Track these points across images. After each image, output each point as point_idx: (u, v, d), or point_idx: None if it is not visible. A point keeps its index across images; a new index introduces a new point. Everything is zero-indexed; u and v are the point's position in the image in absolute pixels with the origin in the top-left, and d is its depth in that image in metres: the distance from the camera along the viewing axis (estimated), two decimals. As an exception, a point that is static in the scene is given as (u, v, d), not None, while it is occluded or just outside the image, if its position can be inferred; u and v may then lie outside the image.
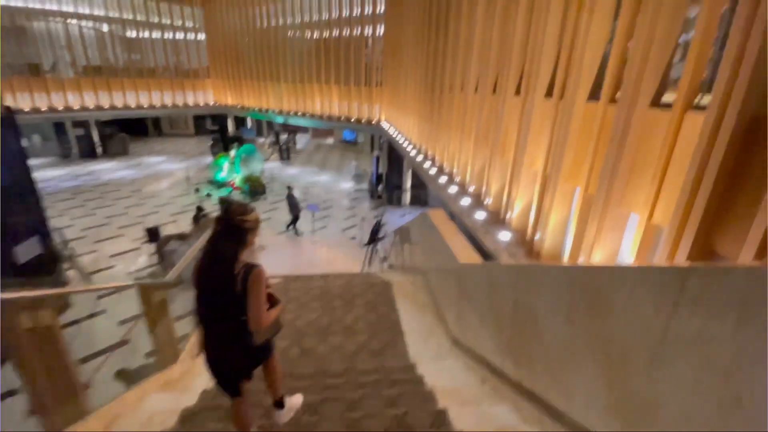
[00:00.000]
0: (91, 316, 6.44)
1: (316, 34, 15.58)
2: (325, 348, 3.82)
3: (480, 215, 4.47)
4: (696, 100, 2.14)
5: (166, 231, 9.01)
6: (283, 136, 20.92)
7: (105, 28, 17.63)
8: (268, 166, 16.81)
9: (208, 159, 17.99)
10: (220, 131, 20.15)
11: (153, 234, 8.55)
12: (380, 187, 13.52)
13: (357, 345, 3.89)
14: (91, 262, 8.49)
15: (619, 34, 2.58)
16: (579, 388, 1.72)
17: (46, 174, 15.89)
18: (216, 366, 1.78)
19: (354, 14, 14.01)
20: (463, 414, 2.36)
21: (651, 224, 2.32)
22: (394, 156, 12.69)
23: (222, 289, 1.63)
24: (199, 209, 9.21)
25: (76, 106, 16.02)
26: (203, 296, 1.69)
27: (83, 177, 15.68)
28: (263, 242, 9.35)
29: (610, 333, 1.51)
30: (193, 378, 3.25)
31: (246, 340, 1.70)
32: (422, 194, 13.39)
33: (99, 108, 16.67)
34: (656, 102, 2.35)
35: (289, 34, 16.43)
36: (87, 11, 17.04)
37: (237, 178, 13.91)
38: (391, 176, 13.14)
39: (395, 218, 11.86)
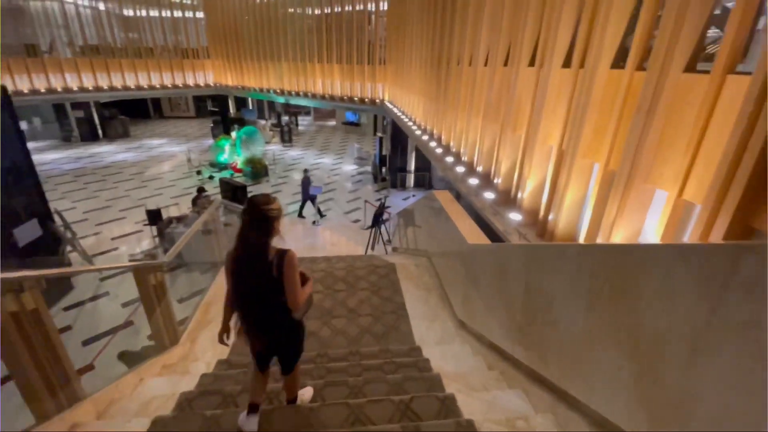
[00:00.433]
0: (94, 298, 6.43)
1: (317, 11, 15.05)
2: (328, 331, 3.74)
3: (489, 195, 4.28)
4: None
5: (167, 213, 8.92)
6: (285, 118, 20.58)
7: (102, 6, 17.15)
8: (270, 149, 16.59)
9: (210, 141, 17.79)
10: (221, 113, 19.86)
11: (154, 216, 8.47)
12: (384, 170, 13.29)
13: (361, 328, 3.80)
14: (94, 244, 8.45)
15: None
16: (600, 378, 1.58)
17: (48, 157, 15.81)
18: (264, 345, 1.97)
19: (357, -12, 13.43)
20: (471, 400, 2.26)
21: (681, 201, 2.13)
22: (398, 137, 12.41)
23: (260, 276, 1.77)
24: (200, 190, 9.08)
25: (75, 87, 15.73)
26: (242, 285, 1.83)
27: (84, 159, 15.59)
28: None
29: (639, 319, 1.36)
30: (191, 362, 3.18)
31: (288, 318, 1.87)
32: (426, 176, 13.16)
33: (98, 89, 16.35)
34: (691, 67, 2.12)
35: (289, 10, 15.88)
36: (82, -12, 16.55)
37: (239, 161, 13.73)
38: (395, 158, 12.89)
39: (399, 201, 11.70)
